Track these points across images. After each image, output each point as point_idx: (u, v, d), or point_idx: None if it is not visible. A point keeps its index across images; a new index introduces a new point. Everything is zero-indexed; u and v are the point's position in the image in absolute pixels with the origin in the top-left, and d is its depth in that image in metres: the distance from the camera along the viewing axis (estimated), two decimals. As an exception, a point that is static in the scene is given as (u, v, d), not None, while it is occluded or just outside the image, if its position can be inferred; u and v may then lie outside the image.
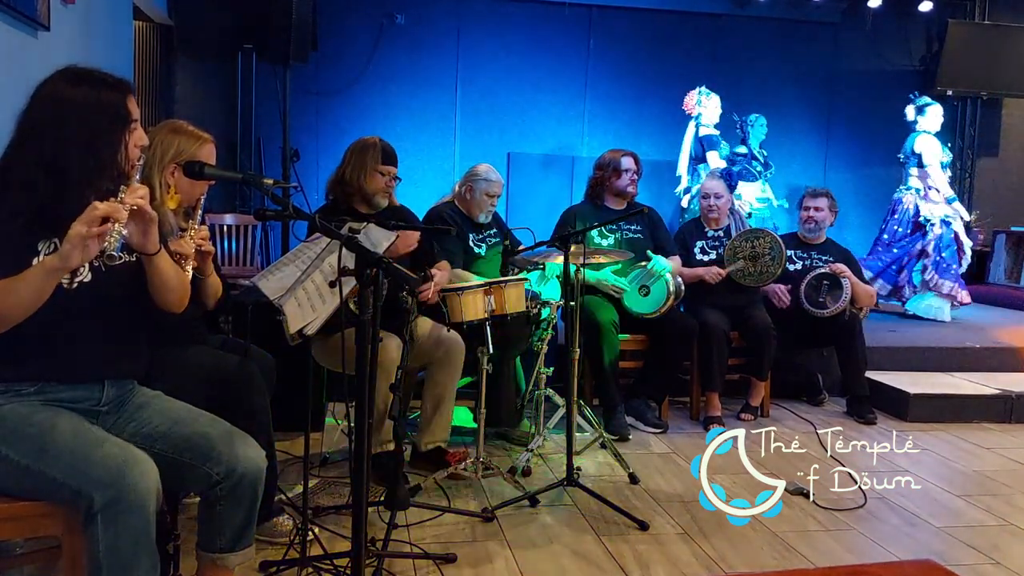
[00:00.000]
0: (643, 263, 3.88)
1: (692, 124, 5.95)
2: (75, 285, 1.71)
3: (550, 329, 3.30)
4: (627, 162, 3.97)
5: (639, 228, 4.04)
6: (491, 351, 3.02)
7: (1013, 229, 7.45)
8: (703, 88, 5.93)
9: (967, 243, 5.94)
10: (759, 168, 6.08)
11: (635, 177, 3.98)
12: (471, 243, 3.72)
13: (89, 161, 1.68)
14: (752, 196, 6.00)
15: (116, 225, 1.56)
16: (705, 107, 5.88)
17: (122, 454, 1.62)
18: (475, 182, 3.73)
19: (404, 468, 2.96)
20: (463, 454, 3.20)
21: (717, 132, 5.87)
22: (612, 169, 3.97)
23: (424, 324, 3.17)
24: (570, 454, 2.93)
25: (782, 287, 4.27)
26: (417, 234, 3.20)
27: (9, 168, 1.68)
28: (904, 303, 5.97)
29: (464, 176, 3.81)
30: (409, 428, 3.43)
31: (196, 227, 2.08)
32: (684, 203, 5.92)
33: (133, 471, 1.58)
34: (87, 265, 1.72)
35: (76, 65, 1.75)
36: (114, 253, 1.56)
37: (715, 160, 5.76)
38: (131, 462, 1.60)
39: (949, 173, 5.97)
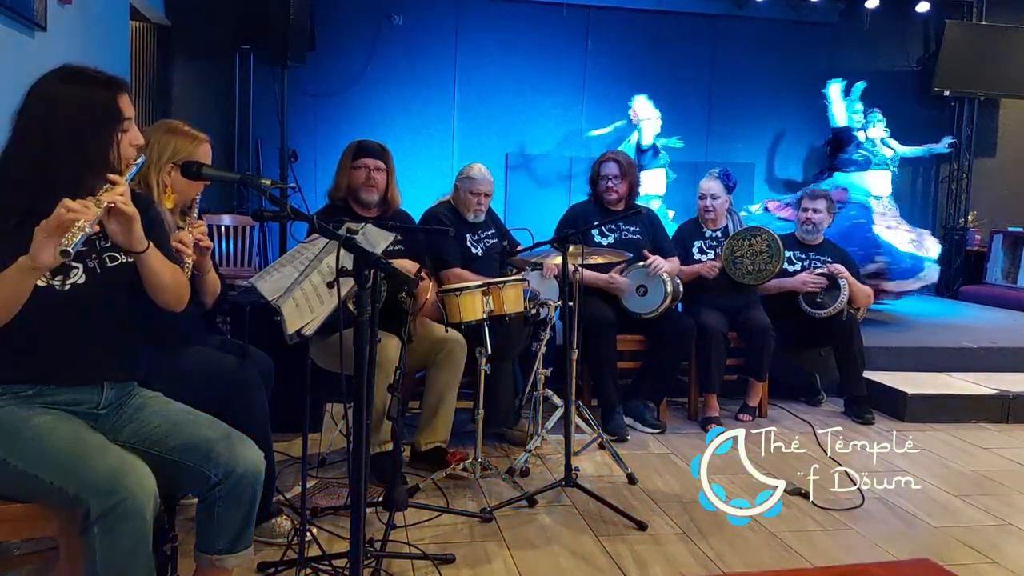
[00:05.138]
0: (641, 263, 3.88)
1: (635, 133, 6.24)
2: (67, 286, 1.70)
3: (548, 329, 3.30)
4: (606, 168, 3.95)
5: (638, 229, 4.03)
6: (489, 351, 3.02)
7: (1010, 230, 7.47)
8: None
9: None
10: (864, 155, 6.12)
11: (613, 184, 3.92)
12: (468, 243, 3.71)
13: (77, 160, 1.66)
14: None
15: (80, 222, 1.52)
16: (648, 118, 6.17)
17: (120, 462, 1.61)
18: (461, 181, 3.76)
19: (402, 468, 2.95)
20: (462, 454, 3.20)
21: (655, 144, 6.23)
22: (595, 174, 3.99)
23: (423, 326, 3.16)
24: (568, 455, 2.92)
25: (806, 275, 4.27)
26: (415, 264, 3.19)
27: (4, 168, 1.67)
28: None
29: (456, 176, 3.84)
30: (407, 428, 3.43)
31: (193, 223, 2.08)
32: None
33: (131, 479, 1.57)
34: (80, 266, 1.72)
35: (71, 64, 1.74)
36: (70, 250, 1.49)
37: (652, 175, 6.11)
38: (129, 470, 1.59)
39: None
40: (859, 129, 6.22)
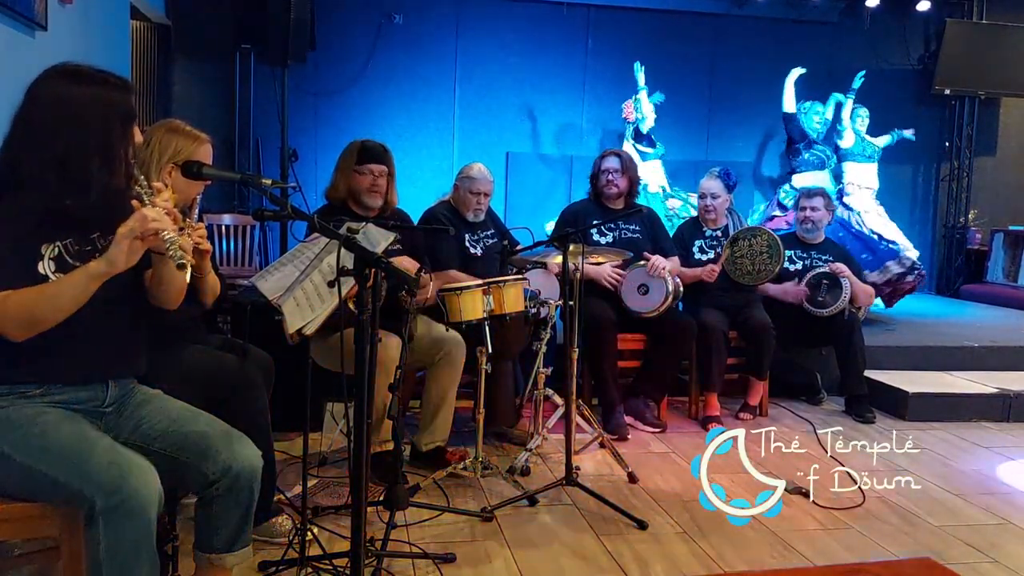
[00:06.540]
0: (641, 262, 3.88)
1: (632, 129, 6.25)
2: None
3: (549, 329, 3.30)
4: (607, 163, 3.97)
5: (637, 228, 4.03)
6: (490, 351, 3.02)
7: (1011, 228, 7.47)
8: (638, 96, 6.20)
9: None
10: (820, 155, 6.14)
11: (613, 178, 3.94)
12: (467, 243, 3.71)
13: (104, 160, 1.68)
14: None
15: (169, 234, 1.61)
16: (644, 115, 6.18)
17: (125, 460, 1.62)
18: (461, 181, 3.76)
19: (403, 467, 2.96)
20: (463, 453, 3.20)
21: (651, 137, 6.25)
22: (596, 169, 4.00)
23: (423, 325, 3.16)
24: (569, 454, 2.92)
25: (790, 286, 4.27)
26: (415, 262, 3.19)
27: (17, 168, 1.67)
28: None
29: (456, 176, 3.84)
30: (408, 427, 3.43)
31: (193, 225, 2.08)
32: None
33: (136, 477, 1.58)
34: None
35: (70, 62, 1.75)
36: (185, 263, 1.63)
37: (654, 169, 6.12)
38: (134, 468, 1.60)
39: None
40: (824, 127, 6.22)
